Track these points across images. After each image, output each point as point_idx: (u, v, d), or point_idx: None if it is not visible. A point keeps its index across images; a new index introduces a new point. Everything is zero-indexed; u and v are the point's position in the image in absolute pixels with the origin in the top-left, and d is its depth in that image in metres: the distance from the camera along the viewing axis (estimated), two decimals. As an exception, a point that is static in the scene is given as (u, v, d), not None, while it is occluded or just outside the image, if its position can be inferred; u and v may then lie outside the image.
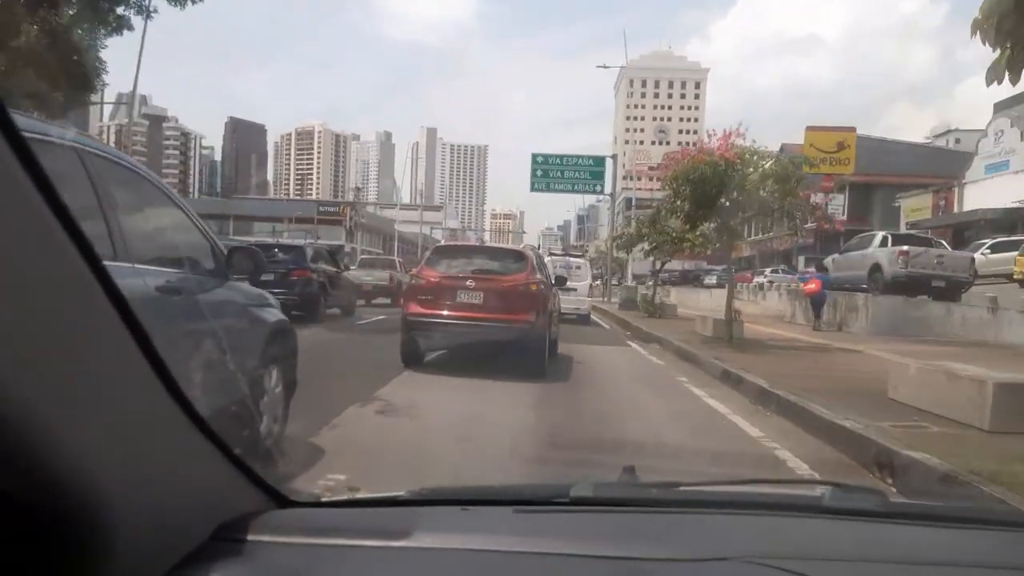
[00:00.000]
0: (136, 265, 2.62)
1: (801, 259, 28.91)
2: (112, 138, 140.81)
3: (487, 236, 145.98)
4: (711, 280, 38.69)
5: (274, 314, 4.02)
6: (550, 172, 29.73)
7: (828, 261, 17.86)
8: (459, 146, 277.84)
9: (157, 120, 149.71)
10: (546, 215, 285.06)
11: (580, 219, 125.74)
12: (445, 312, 7.18)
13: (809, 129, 30.52)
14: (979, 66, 4.27)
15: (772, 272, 34.57)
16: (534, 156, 30.01)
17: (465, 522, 1.09)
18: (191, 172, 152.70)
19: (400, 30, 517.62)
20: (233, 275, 3.58)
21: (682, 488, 1.35)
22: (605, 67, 37.34)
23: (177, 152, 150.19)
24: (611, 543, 1.00)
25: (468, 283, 7.26)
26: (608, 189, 31.16)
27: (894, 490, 3.62)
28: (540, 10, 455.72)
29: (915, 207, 32.33)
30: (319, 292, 13.01)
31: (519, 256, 8.18)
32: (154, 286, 2.70)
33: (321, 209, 58.69)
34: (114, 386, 0.72)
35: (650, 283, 21.61)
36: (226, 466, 0.96)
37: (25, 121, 2.14)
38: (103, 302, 0.69)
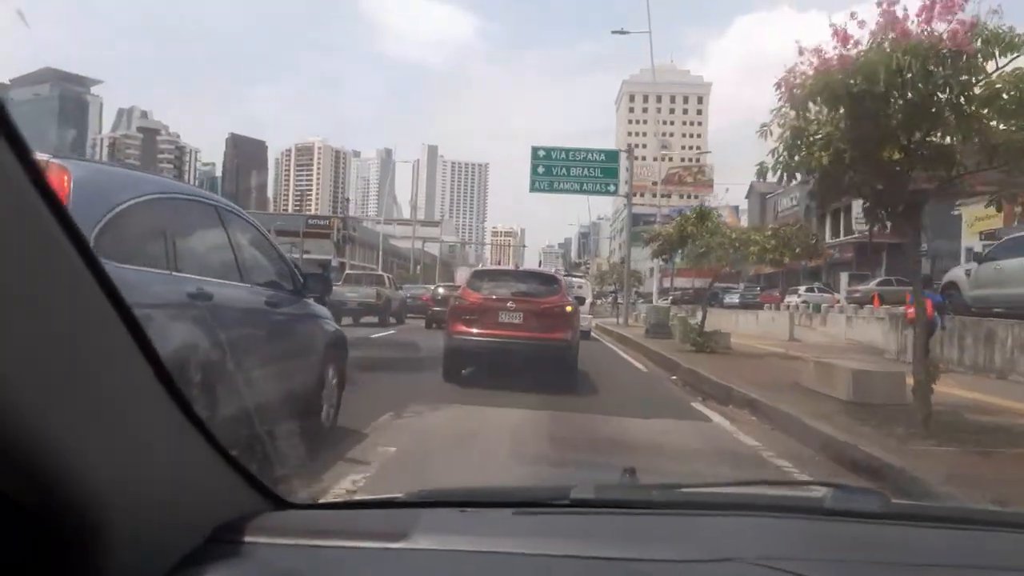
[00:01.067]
0: (252, 286, 3.98)
1: (843, 276, 25.57)
2: (105, 151, 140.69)
3: (487, 251, 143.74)
4: (732, 299, 35.56)
5: (332, 325, 5.25)
6: (553, 169, 24.40)
7: (958, 274, 12.54)
8: (460, 163, 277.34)
9: (151, 133, 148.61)
10: (547, 231, 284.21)
11: (582, 236, 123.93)
12: (489, 331, 7.78)
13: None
14: None
15: (807, 291, 30.39)
16: (534, 151, 24.52)
17: (464, 524, 1.08)
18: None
19: (402, 49, 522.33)
20: (307, 294, 4.74)
21: (682, 490, 1.39)
22: (623, 32, 30.10)
23: (172, 166, 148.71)
24: (611, 545, 1.01)
25: (509, 304, 7.90)
26: (623, 189, 26.42)
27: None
28: (539, 31, 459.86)
29: (980, 215, 29.04)
30: None
31: (552, 279, 9.00)
32: (263, 301, 4.07)
33: (311, 222, 56.80)
34: (113, 388, 0.72)
35: (668, 303, 19.23)
36: (224, 468, 0.96)
37: (183, 186, 4.41)
38: (103, 305, 0.69)
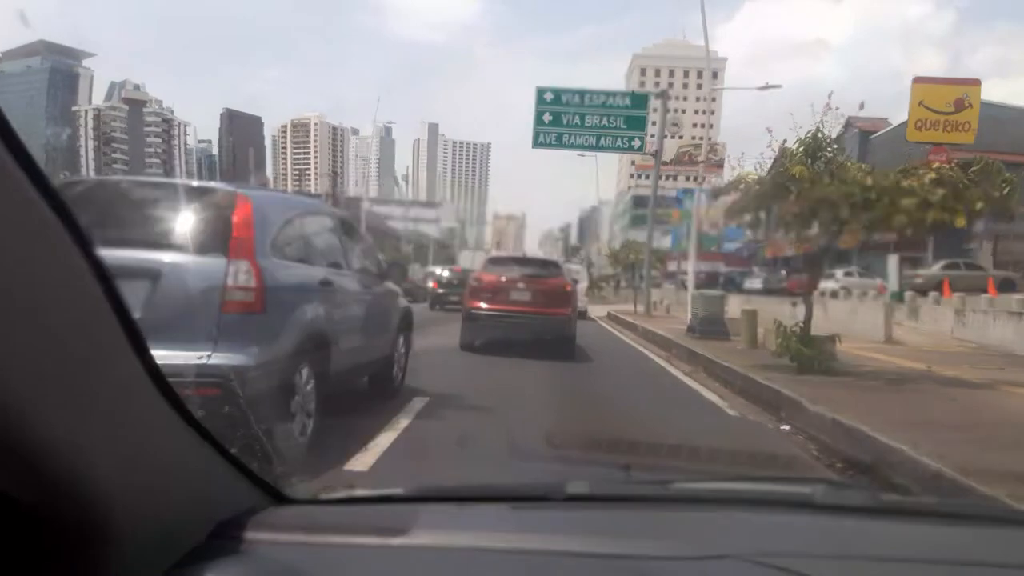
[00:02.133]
0: (353, 273, 5.13)
1: (891, 259, 20.77)
2: (90, 123, 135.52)
3: (488, 233, 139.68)
4: (754, 284, 31.28)
5: (404, 303, 6.42)
6: (563, 118, 18.11)
7: None
8: (461, 143, 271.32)
9: (137, 105, 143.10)
10: (548, 215, 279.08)
11: (582, 222, 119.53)
12: (502, 305, 9.39)
13: (918, 81, 21.26)
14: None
15: (845, 275, 26.86)
16: (539, 93, 18.30)
17: (462, 519, 1.10)
18: (176, 160, 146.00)
19: (405, 28, 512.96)
20: (389, 279, 6.04)
21: (677, 485, 1.40)
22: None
23: (159, 140, 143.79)
24: (607, 540, 1.02)
25: (519, 284, 9.65)
26: (653, 146, 20.19)
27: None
28: (544, 13, 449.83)
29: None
30: None
31: (554, 264, 11.74)
32: (361, 284, 5.25)
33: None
34: (111, 387, 0.73)
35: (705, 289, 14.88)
36: (223, 464, 0.97)
37: (314, 203, 7.31)
38: (101, 304, 0.69)
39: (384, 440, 4.38)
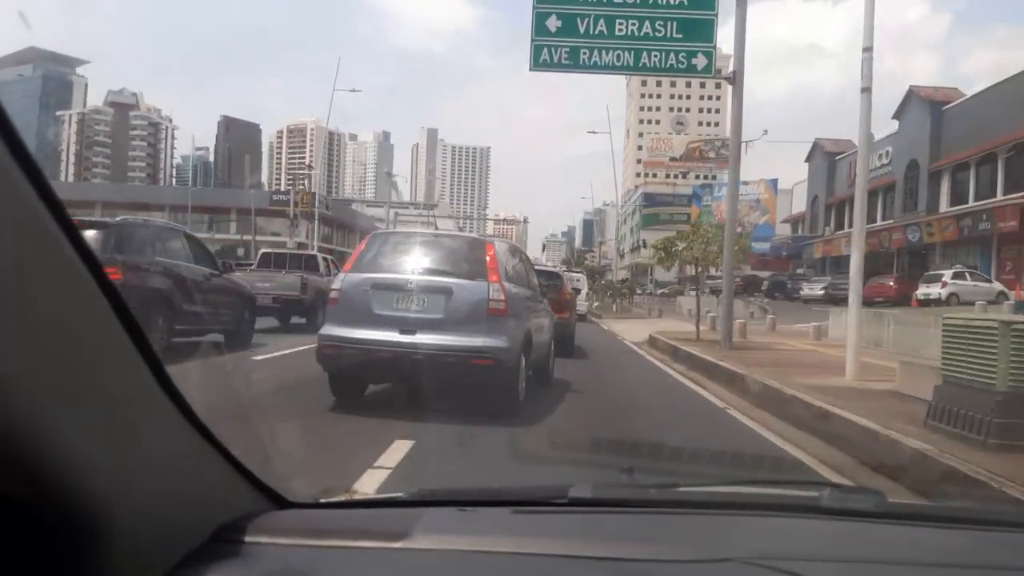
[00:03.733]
0: (533, 292, 6.93)
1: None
2: (74, 128, 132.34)
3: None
4: (813, 292, 26.95)
5: (551, 314, 8.02)
6: (579, 22, 11.14)
7: None
8: (461, 147, 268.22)
9: (124, 108, 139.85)
10: (551, 219, 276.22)
11: (587, 225, 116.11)
12: None
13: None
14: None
15: (954, 277, 22.70)
16: None
17: (463, 523, 1.09)
18: (163, 165, 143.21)
19: (404, 37, 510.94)
20: (542, 295, 7.83)
21: (680, 489, 1.38)
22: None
23: (145, 144, 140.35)
24: (609, 544, 1.01)
25: None
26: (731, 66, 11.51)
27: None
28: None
29: None
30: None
31: (557, 275, 13.11)
32: (538, 301, 7.14)
33: (275, 198, 48.76)
34: (113, 388, 0.72)
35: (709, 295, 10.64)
36: (225, 467, 0.96)
37: (517, 247, 7.99)
38: (102, 305, 0.69)
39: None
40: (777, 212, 53.61)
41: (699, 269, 14.29)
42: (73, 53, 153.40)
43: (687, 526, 1.16)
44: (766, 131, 43.29)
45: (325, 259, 16.08)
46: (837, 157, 41.42)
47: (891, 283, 25.71)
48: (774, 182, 56.84)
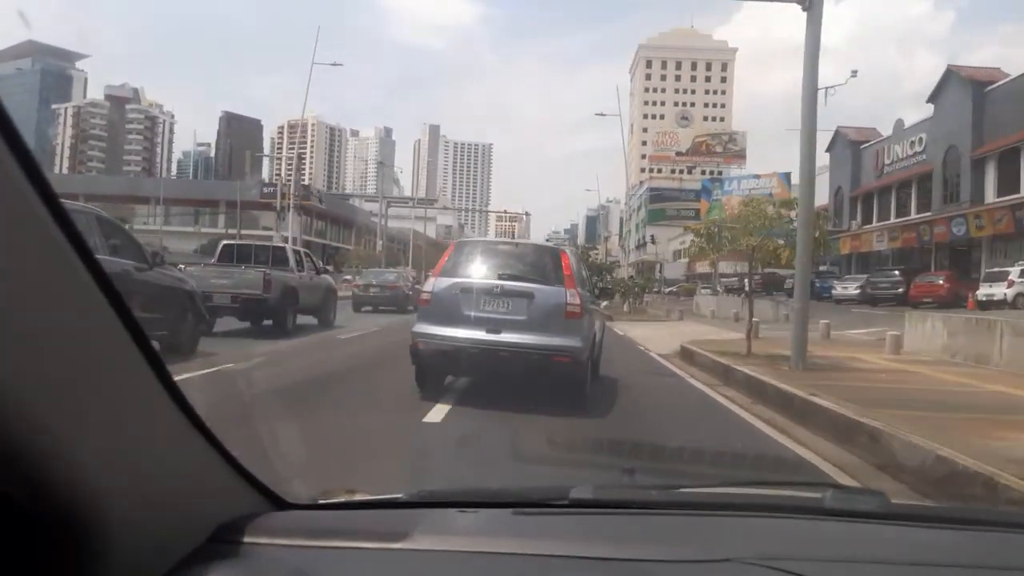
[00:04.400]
0: (587, 293, 7.26)
1: None
2: (70, 121, 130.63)
3: (491, 234, 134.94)
4: (847, 291, 24.95)
5: (603, 315, 9.61)
6: None
7: None
8: (463, 144, 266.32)
9: (120, 102, 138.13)
10: (553, 216, 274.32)
11: (589, 221, 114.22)
12: None
13: None
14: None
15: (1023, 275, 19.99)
16: None
17: (463, 524, 1.09)
18: (159, 160, 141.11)
19: (406, 33, 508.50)
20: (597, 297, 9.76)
21: (682, 490, 1.40)
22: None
23: (141, 137, 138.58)
24: (610, 545, 1.01)
25: None
26: None
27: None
28: (543, 17, 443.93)
29: None
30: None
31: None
32: (591, 302, 7.31)
33: (265, 191, 47.04)
34: (113, 389, 0.72)
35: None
36: (224, 468, 0.96)
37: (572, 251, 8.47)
38: (103, 305, 0.69)
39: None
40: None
41: (760, 265, 11.36)
42: (74, 48, 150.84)
43: (688, 527, 1.16)
44: (855, 72, 37.44)
45: (296, 252, 13.84)
46: (862, 146, 38.95)
47: (942, 282, 22.96)
48: (787, 175, 54.93)
